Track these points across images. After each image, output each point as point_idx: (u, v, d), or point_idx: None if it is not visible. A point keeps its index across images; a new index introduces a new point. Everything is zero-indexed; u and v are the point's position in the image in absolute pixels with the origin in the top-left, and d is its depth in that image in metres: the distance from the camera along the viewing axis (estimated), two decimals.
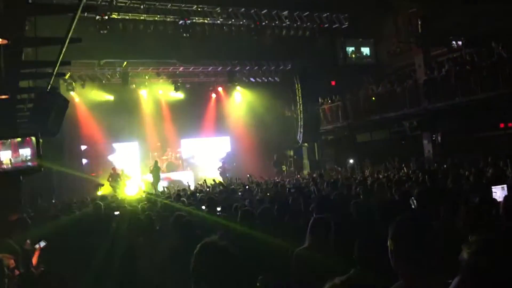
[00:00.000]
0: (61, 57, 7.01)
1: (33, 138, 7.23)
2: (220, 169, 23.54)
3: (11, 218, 6.99)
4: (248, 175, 16.98)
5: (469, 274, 1.69)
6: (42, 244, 5.57)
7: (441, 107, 17.09)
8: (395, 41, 20.90)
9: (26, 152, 7.39)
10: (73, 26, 5.80)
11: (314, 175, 15.47)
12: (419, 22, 17.57)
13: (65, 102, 8.32)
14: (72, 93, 20.87)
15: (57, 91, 8.93)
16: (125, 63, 20.00)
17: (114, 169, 20.48)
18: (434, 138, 18.54)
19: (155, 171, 20.88)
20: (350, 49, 22.21)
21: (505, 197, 5.32)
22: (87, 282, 5.32)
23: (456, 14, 17.21)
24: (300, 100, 22.86)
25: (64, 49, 6.78)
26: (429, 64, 18.43)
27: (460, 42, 18.10)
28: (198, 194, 11.86)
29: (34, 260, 5.48)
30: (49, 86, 8.34)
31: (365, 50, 22.51)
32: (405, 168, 15.05)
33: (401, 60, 21.17)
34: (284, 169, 24.20)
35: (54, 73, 7.50)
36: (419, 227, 2.05)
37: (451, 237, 3.37)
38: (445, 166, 14.23)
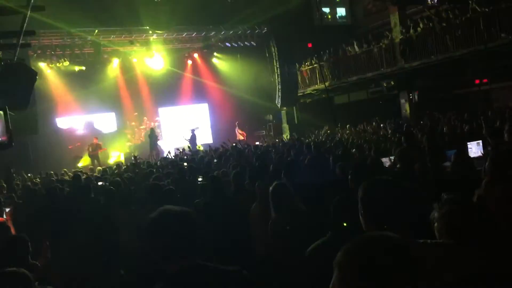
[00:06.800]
0: (24, 27, 6.75)
1: (1, 112, 6.99)
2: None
3: None
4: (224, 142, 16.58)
5: None
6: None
7: (418, 66, 17.11)
8: (371, 0, 20.70)
9: None
10: None
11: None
12: None
13: (33, 74, 8.04)
14: (42, 64, 20.27)
15: (23, 62, 8.60)
16: (96, 31, 19.34)
17: (96, 139, 20.13)
18: (411, 97, 18.63)
19: (152, 138, 20.44)
20: (326, 10, 21.91)
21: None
22: (65, 250, 5.28)
23: None
24: (277, 63, 22.56)
25: (26, 19, 6.52)
26: (405, 22, 18.32)
27: None
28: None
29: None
30: (15, 57, 8.05)
31: (341, 11, 22.26)
32: (382, 129, 15.17)
33: (377, 20, 21.02)
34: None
35: (19, 44, 7.23)
36: (387, 188, 2.00)
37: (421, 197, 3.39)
38: (421, 123, 14.41)
